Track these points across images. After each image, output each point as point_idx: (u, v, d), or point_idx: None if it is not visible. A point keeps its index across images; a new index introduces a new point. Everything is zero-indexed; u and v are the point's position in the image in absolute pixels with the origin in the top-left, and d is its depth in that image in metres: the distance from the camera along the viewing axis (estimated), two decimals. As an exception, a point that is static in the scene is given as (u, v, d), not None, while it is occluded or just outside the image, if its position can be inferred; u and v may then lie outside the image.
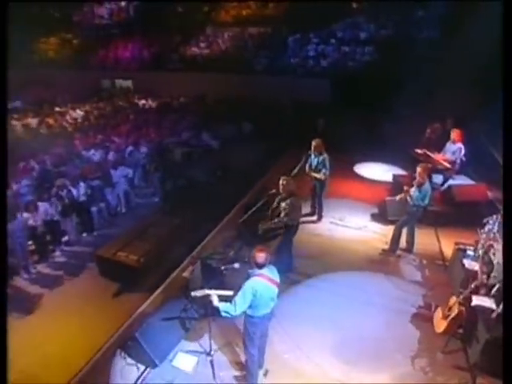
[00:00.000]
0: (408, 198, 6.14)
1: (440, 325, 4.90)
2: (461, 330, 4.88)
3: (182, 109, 14.23)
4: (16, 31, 15.98)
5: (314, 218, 7.69)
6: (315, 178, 7.41)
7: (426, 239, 6.95)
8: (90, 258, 7.16)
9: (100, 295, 6.26)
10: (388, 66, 13.57)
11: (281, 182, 5.67)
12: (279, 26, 16.25)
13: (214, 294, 3.86)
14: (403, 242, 6.62)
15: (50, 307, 6.05)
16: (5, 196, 3.91)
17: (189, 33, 16.88)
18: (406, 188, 6.14)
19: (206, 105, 14.52)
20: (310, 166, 7.36)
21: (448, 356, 4.71)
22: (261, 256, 3.80)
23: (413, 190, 6.08)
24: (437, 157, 7.65)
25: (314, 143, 7.25)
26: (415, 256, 6.53)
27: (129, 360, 4.54)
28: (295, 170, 7.27)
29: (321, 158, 7.26)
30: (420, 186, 6.01)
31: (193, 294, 3.95)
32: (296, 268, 6.17)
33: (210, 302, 3.84)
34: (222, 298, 3.88)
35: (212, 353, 4.45)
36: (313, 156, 7.36)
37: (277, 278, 3.98)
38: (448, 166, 7.52)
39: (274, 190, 5.84)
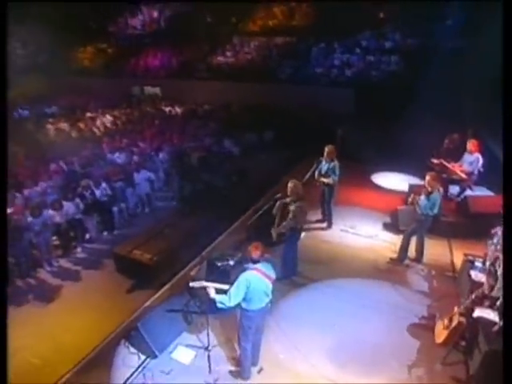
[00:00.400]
0: (416, 206, 6.13)
1: (440, 335, 4.88)
2: (463, 343, 4.82)
3: (206, 116, 14.68)
4: (55, 41, 17.20)
5: (324, 224, 7.78)
6: (323, 184, 7.52)
7: (438, 250, 6.89)
8: (108, 255, 7.58)
9: (115, 290, 6.64)
10: (413, 75, 13.46)
11: (289, 185, 5.85)
12: (304, 36, 16.47)
13: (210, 286, 4.08)
14: (413, 252, 6.59)
15: (69, 298, 6.49)
16: (5, 196, 4.14)
17: (216, 43, 17.43)
18: (412, 196, 6.15)
19: (230, 112, 14.90)
20: (320, 171, 7.48)
21: (447, 367, 4.68)
22: (256, 251, 4.01)
23: (421, 199, 6.07)
24: (453, 167, 7.57)
25: (326, 149, 7.38)
26: (424, 266, 6.49)
27: (131, 349, 4.81)
28: (307, 176, 7.41)
29: (331, 164, 7.38)
30: (428, 194, 6.00)
31: (191, 284, 4.22)
32: (301, 272, 6.30)
33: (207, 293, 4.05)
34: (218, 292, 4.09)
35: (210, 348, 4.64)
36: (324, 162, 7.48)
37: (272, 274, 4.16)
38: (464, 176, 7.42)
39: (279, 194, 6.00)
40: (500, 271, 4.84)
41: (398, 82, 13.58)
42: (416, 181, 9.47)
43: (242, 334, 4.25)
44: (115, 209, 9.06)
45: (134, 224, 9.09)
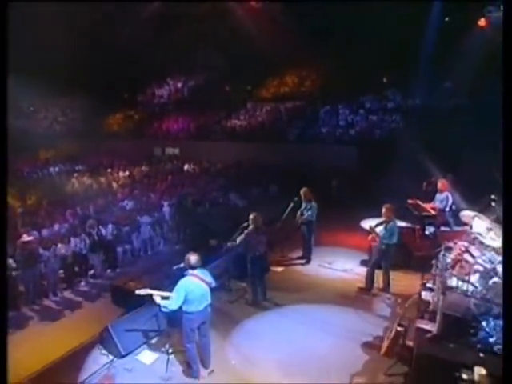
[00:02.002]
0: (376, 237, 6.82)
1: (383, 347, 5.32)
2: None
3: (218, 173, 16.18)
4: (91, 110, 20.11)
5: (303, 261, 8.50)
6: (301, 222, 8.37)
7: (409, 282, 7.32)
8: (108, 289, 8.54)
9: (108, 316, 7.44)
10: (413, 132, 14.53)
11: (250, 216, 6.84)
12: (313, 100, 18.26)
13: (156, 294, 4.93)
14: (380, 283, 7.11)
15: (66, 322, 7.37)
16: (5, 196, 4.37)
17: (232, 108, 19.59)
18: (370, 226, 6.87)
19: (239, 170, 16.35)
20: (301, 213, 8.39)
21: (388, 378, 5.06)
22: (193, 259, 4.90)
23: (380, 230, 6.78)
24: (426, 205, 8.26)
25: (302, 192, 8.37)
26: (391, 295, 6.96)
27: (103, 351, 5.59)
28: (284, 215, 8.32)
29: (309, 205, 8.30)
30: (386, 224, 6.71)
31: (137, 292, 5.07)
32: (270, 299, 7.00)
33: (153, 300, 4.89)
34: (162, 298, 4.91)
35: (170, 351, 5.35)
36: (303, 204, 8.44)
37: (208, 279, 5.00)
38: (433, 212, 8.10)
39: (245, 224, 6.97)
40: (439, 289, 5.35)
41: (397, 138, 14.65)
42: (402, 224, 10.10)
43: (185, 335, 5.00)
44: (120, 249, 10.18)
45: (137, 264, 10.11)
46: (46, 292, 8.67)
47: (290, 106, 18.62)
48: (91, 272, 9.56)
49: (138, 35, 17.38)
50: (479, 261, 4.91)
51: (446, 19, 12.95)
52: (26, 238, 8.55)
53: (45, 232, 10.01)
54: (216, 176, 15.57)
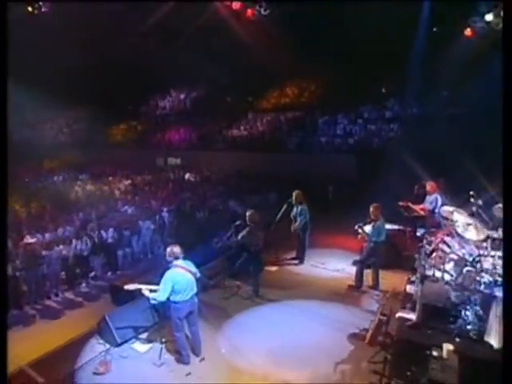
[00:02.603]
0: (364, 235, 7.15)
1: (367, 336, 5.61)
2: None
3: (218, 181, 16.61)
4: (95, 121, 20.78)
5: (297, 261, 8.82)
6: (296, 229, 8.73)
7: (399, 280, 7.57)
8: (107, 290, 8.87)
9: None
10: (410, 139, 14.91)
11: (247, 213, 7.20)
12: (312, 110, 18.77)
13: (144, 288, 5.31)
14: (369, 280, 7.41)
15: (67, 320, 7.68)
16: (5, 196, 4.46)
17: (233, 118, 20.14)
18: (359, 225, 7.20)
19: (240, 178, 16.77)
20: (293, 215, 8.76)
21: (372, 364, 5.34)
22: (175, 250, 5.25)
23: (368, 228, 7.11)
24: (416, 207, 8.60)
25: (294, 194, 8.74)
26: (380, 292, 7.24)
27: (100, 340, 5.92)
28: (278, 216, 8.68)
29: (300, 207, 8.67)
30: (374, 223, 7.05)
31: (126, 287, 5.44)
32: (264, 295, 7.31)
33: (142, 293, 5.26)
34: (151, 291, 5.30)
35: (163, 340, 5.67)
36: (294, 205, 8.82)
37: (192, 269, 5.36)
38: (422, 213, 8.41)
39: (238, 222, 7.34)
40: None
41: (394, 147, 15.01)
42: (394, 226, 10.42)
43: (173, 325, 5.37)
44: (120, 252, 10.55)
45: (137, 267, 10.46)
46: (47, 292, 9.04)
47: (290, 116, 19.11)
48: (92, 274, 9.92)
49: (141, 48, 18.11)
50: (454, 250, 5.21)
51: (434, 29, 13.44)
52: (28, 239, 8.96)
53: (48, 235, 10.43)
54: (216, 184, 15.98)
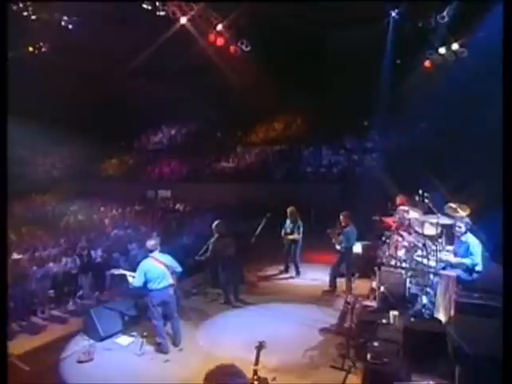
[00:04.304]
0: (335, 241, 7.83)
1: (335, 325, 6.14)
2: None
3: (206, 210, 17.31)
4: (88, 156, 21.69)
5: (287, 275, 9.39)
6: (290, 240, 9.36)
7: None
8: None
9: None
10: (389, 167, 15.89)
11: (213, 225, 7.91)
12: (298, 142, 19.91)
13: (128, 274, 5.96)
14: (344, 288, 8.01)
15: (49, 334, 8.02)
16: (5, 196, 4.44)
17: (222, 152, 21.21)
18: (329, 231, 7.88)
19: (227, 208, 17.52)
20: (286, 230, 9.43)
21: (339, 350, 5.83)
22: (150, 243, 5.93)
23: (339, 236, 7.80)
24: (387, 220, 9.31)
25: (288, 211, 9.45)
26: (352, 295, 7.77)
27: (84, 337, 6.39)
28: (258, 230, 9.35)
29: (296, 224, 9.36)
30: (344, 229, 7.75)
31: (111, 271, 6.05)
32: (243, 300, 7.84)
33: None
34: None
35: (145, 334, 6.16)
36: (288, 222, 9.50)
37: (166, 261, 6.00)
38: (393, 224, 9.08)
39: (212, 240, 8.03)
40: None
41: (375, 174, 15.97)
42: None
43: (150, 313, 5.96)
44: (108, 273, 11.02)
45: (124, 294, 10.87)
46: (34, 310, 9.39)
47: (277, 149, 20.19)
48: (80, 293, 10.33)
49: (133, 86, 19.38)
50: (407, 239, 5.91)
51: (398, 61, 14.75)
52: (15, 256, 9.41)
53: (37, 253, 10.91)
54: (204, 212, 16.66)
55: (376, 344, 4.37)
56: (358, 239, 12.09)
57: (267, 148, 20.67)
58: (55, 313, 9.41)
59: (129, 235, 12.89)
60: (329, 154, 18.83)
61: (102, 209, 17.00)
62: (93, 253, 10.85)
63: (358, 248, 10.58)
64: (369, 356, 4.24)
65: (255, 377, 3.70)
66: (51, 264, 9.86)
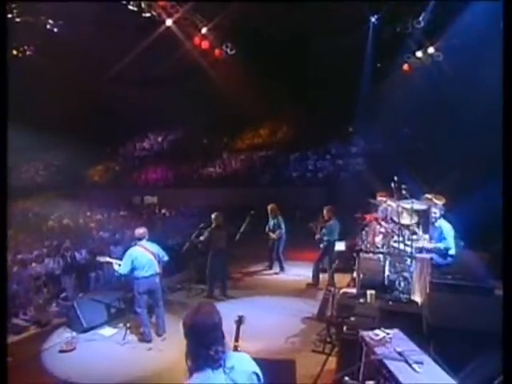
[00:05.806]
0: (319, 235, 8.02)
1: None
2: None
3: (192, 215, 17.39)
4: (73, 163, 21.61)
5: (271, 271, 9.53)
6: (276, 238, 9.54)
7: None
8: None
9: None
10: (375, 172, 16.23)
11: (212, 216, 8.02)
12: (284, 148, 20.20)
13: (114, 262, 6.03)
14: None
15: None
16: (5, 196, 4.43)
17: (208, 158, 21.38)
18: (312, 224, 8.08)
19: (214, 210, 17.62)
20: (269, 227, 9.59)
21: (320, 337, 5.97)
22: (138, 231, 6.03)
23: (322, 229, 8.00)
24: (369, 216, 9.55)
25: (269, 208, 9.63)
26: (336, 289, 7.94)
27: (67, 330, 6.41)
28: (242, 228, 9.49)
29: (275, 220, 9.53)
30: (326, 223, 7.95)
31: (98, 258, 6.12)
32: (228, 294, 7.93)
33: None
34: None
35: (128, 325, 6.22)
36: (270, 218, 9.67)
37: (153, 250, 6.08)
38: (374, 220, 9.33)
39: (202, 224, 8.14)
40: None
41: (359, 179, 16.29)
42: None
43: (135, 300, 5.98)
44: (92, 274, 11.00)
45: (108, 289, 10.88)
46: (16, 312, 9.32)
47: (263, 155, 20.45)
48: (63, 294, 10.28)
49: (118, 93, 19.49)
50: (384, 226, 6.13)
51: (378, 65, 15.20)
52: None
53: (20, 256, 10.85)
54: (190, 217, 16.74)
55: (353, 319, 4.55)
56: (342, 239, 12.44)
57: (253, 154, 20.91)
58: (37, 314, 9.43)
59: (114, 238, 12.90)
60: (314, 158, 19.14)
61: (88, 213, 16.95)
62: (77, 254, 10.84)
63: (341, 246, 10.86)
64: (345, 328, 4.40)
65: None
66: (34, 264, 9.82)
